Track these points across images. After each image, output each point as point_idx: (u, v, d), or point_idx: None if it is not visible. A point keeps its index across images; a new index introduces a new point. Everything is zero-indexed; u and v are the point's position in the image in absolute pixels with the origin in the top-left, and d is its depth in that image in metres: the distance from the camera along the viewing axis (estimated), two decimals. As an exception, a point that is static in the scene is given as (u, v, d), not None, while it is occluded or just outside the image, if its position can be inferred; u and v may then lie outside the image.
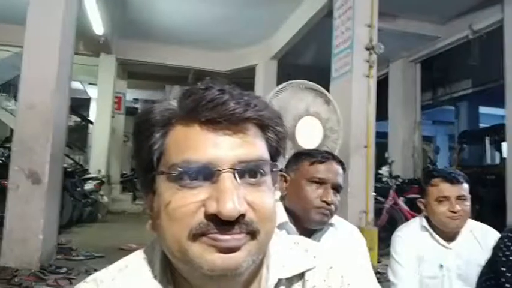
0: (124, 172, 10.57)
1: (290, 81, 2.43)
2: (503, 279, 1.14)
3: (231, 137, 0.52)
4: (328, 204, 1.30)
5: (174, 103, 0.55)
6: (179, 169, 0.51)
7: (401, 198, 5.33)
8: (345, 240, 1.38)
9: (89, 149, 8.85)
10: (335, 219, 1.40)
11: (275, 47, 7.62)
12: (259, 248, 0.52)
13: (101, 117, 8.65)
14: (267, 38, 7.75)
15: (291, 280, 0.58)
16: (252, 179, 0.52)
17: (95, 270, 0.61)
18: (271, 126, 0.56)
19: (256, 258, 0.52)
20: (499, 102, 5.48)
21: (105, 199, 7.99)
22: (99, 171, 8.17)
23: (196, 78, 9.72)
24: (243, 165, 0.51)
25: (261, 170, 0.53)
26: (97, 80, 8.77)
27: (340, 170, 1.36)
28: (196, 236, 0.49)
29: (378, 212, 4.89)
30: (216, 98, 0.51)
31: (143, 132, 0.56)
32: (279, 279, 0.57)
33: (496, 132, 5.88)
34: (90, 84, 10.81)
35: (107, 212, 8.14)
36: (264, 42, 7.89)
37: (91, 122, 9.36)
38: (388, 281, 1.78)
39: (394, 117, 7.63)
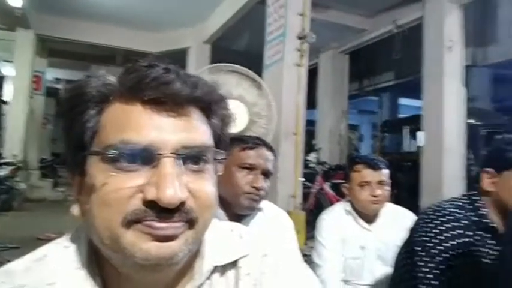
0: (44, 157, 9.86)
1: (212, 65, 2.39)
2: (418, 258, 1.20)
3: (176, 119, 0.49)
4: (258, 189, 1.30)
5: (112, 79, 0.51)
6: (116, 150, 0.47)
7: (328, 183, 5.55)
8: (273, 224, 1.40)
9: (3, 131, 8.11)
10: (264, 204, 1.41)
11: (209, 31, 7.49)
12: (196, 237, 0.50)
13: (17, 97, 7.94)
14: (200, 21, 7.58)
15: (225, 267, 0.57)
16: (195, 166, 0.50)
17: (9, 261, 0.54)
18: (217, 111, 0.54)
19: (192, 247, 0.50)
20: (417, 94, 5.88)
21: (22, 186, 7.40)
22: (15, 156, 7.53)
23: (124, 58, 9.30)
24: (187, 150, 0.49)
25: (205, 157, 0.51)
26: (13, 57, 8.03)
27: (271, 156, 1.37)
28: (131, 222, 0.46)
29: (305, 197, 5.04)
30: (161, 77, 0.48)
31: (75, 107, 0.50)
32: (214, 267, 0.56)
33: (414, 122, 6.28)
34: (5, 61, 9.87)
35: (24, 199, 7.55)
36: (198, 25, 7.71)
37: (5, 102, 8.56)
38: (314, 262, 1.84)
39: (322, 106, 7.88)
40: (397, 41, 6.27)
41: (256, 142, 1.36)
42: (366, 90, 9.65)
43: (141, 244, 0.46)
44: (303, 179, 4.67)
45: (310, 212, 4.80)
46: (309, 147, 5.94)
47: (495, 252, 1.17)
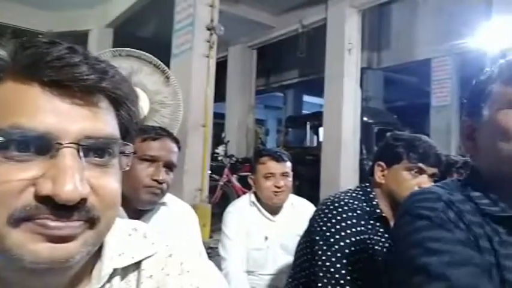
0: None
1: (111, 49, 2.26)
2: (317, 247, 1.24)
3: (80, 107, 0.43)
4: (160, 183, 1.23)
5: (3, 53, 0.42)
6: (3, 137, 0.39)
7: (235, 176, 5.60)
8: (178, 219, 1.35)
9: None
10: (167, 197, 1.35)
11: (112, 14, 7.03)
12: (97, 238, 0.45)
13: None
14: (102, 2, 7.09)
15: (126, 270, 0.52)
16: (99, 159, 0.44)
17: None
18: (126, 103, 0.49)
19: (92, 249, 0.45)
20: (319, 92, 6.21)
21: None
22: None
23: (15, 38, 8.32)
24: (90, 141, 0.43)
25: (110, 150, 0.45)
26: None
27: (175, 148, 1.30)
28: (19, 220, 0.40)
29: (212, 189, 5.02)
30: (65, 57, 0.41)
31: None
32: (114, 269, 0.51)
33: (316, 119, 6.61)
34: None
35: None
36: (99, 6, 7.19)
37: None
38: (219, 255, 1.83)
39: (231, 99, 7.92)
40: (302, 40, 6.53)
41: (159, 132, 1.29)
42: (272, 86, 9.91)
43: (30, 245, 0.40)
44: (211, 172, 4.65)
45: (217, 205, 4.80)
46: (218, 140, 5.93)
47: (384, 240, 1.26)
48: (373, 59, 7.75)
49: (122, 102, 0.48)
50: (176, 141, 1.32)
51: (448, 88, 6.65)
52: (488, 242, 0.64)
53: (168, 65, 2.68)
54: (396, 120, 6.72)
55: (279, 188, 1.78)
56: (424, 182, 1.27)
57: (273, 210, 1.87)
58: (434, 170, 1.30)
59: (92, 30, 7.57)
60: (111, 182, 0.46)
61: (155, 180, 1.22)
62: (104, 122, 0.45)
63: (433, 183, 1.27)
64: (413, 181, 1.28)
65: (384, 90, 8.22)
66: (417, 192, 0.72)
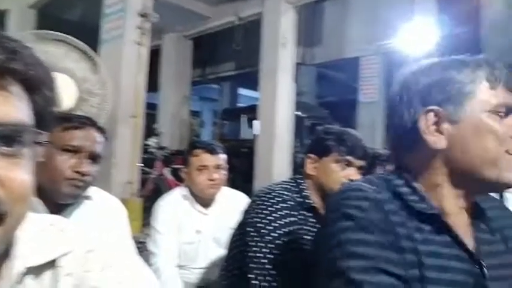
0: None
1: (36, 31, 2.08)
2: (249, 238, 1.25)
3: None
4: (83, 175, 1.15)
5: None
6: None
7: (168, 169, 5.47)
8: (103, 213, 1.27)
9: None
10: (92, 191, 1.27)
11: (35, -6, 6.51)
12: (5, 234, 0.41)
13: None
14: (24, -19, 6.53)
15: (40, 268, 0.48)
16: (7, 149, 0.40)
17: None
18: (41, 88, 0.44)
19: (0, 247, 0.41)
20: (255, 85, 6.24)
21: None
22: None
23: None
24: None
25: (20, 138, 0.41)
26: None
27: (100, 138, 1.22)
28: None
29: (144, 182, 4.88)
30: None
31: None
32: (27, 268, 0.46)
33: (251, 112, 6.65)
34: None
35: None
36: (21, -15, 6.63)
37: None
38: (149, 250, 1.77)
39: (164, 89, 7.71)
40: (238, 32, 6.52)
41: (83, 121, 1.20)
42: (208, 78, 9.81)
43: None
44: (142, 165, 4.50)
45: (148, 198, 4.66)
46: (150, 132, 5.75)
47: (315, 229, 1.29)
48: (307, 54, 7.95)
49: (36, 86, 0.44)
50: (101, 130, 1.24)
51: (375, 85, 7.02)
52: (410, 241, 0.66)
53: (96, 50, 2.52)
54: (327, 114, 6.98)
55: (212, 180, 1.76)
56: (352, 174, 1.32)
57: (206, 203, 1.85)
58: (361, 163, 1.34)
59: (10, 10, 6.95)
60: (20, 174, 0.42)
61: (77, 172, 1.14)
62: (13, 108, 0.41)
63: (360, 175, 1.33)
64: (341, 173, 1.32)
65: (316, 86, 8.48)
66: (346, 188, 0.72)
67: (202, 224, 1.83)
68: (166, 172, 5.41)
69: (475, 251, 0.69)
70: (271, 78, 5.59)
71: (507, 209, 0.82)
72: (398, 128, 0.73)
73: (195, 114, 11.41)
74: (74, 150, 1.15)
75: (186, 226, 1.80)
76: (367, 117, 6.82)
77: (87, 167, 1.16)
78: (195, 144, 1.85)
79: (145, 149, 5.33)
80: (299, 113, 6.11)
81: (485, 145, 0.66)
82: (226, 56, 8.82)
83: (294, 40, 5.78)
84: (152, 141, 5.62)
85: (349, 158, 1.32)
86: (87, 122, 1.21)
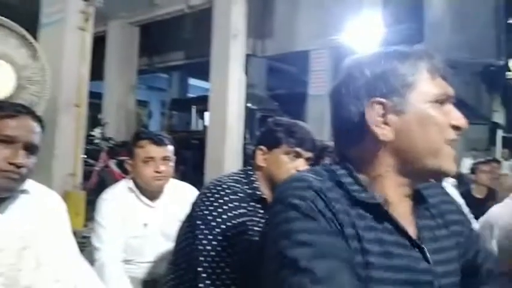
0: None
1: None
2: (198, 231, 1.23)
3: None
4: (18, 167, 1.07)
5: None
6: None
7: (113, 161, 5.29)
8: (40, 208, 1.19)
9: None
10: (29, 184, 1.18)
11: (-36, -29, 5.98)
12: None
13: None
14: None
15: None
16: None
17: None
18: None
19: None
20: (205, 75, 6.16)
21: None
22: None
23: None
24: None
25: None
26: None
27: (37, 128, 1.14)
28: None
29: (88, 175, 4.70)
30: None
31: None
32: None
33: (201, 103, 6.58)
34: None
35: None
36: None
37: None
38: (92, 245, 1.69)
39: (110, 78, 7.43)
40: (188, 21, 6.39)
41: (18, 110, 1.11)
42: (156, 67, 9.57)
43: None
44: (85, 156, 4.31)
45: (92, 192, 4.49)
46: (94, 122, 5.53)
47: (264, 221, 1.29)
48: (258, 46, 7.96)
49: None
50: (38, 119, 1.16)
51: (324, 79, 7.18)
52: (353, 228, 0.67)
53: (35, 35, 2.36)
54: (277, 107, 7.05)
55: (159, 173, 1.71)
56: (301, 165, 1.33)
57: (153, 196, 1.80)
58: (310, 154, 1.36)
59: None
60: None
61: (12, 164, 1.06)
62: None
63: (308, 167, 1.35)
64: (291, 164, 1.33)
65: (267, 78, 8.53)
66: (289, 179, 0.73)
67: (149, 217, 1.78)
68: (112, 164, 5.23)
69: (417, 237, 0.71)
70: (222, 69, 5.54)
71: (448, 194, 0.85)
72: (344, 120, 0.74)
73: (142, 104, 11.13)
74: (8, 141, 1.07)
75: (132, 220, 1.75)
76: (316, 110, 6.96)
77: (23, 159, 1.08)
78: (140, 135, 1.79)
79: (90, 140, 5.14)
80: (250, 105, 6.12)
81: (429, 136, 0.68)
82: (175, 44, 8.64)
83: (245, 31, 5.75)
84: (97, 132, 5.43)
85: (298, 149, 1.33)
86: (22, 110, 1.12)
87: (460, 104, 0.71)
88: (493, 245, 1.24)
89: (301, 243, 0.63)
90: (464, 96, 9.29)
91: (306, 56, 7.36)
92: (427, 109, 0.69)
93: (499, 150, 10.92)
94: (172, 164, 1.78)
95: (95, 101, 5.63)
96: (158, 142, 1.73)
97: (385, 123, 0.70)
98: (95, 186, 4.83)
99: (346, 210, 0.68)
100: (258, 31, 7.69)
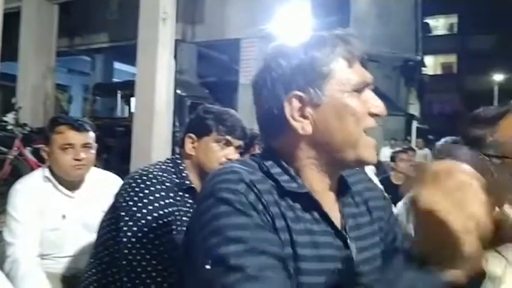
0: None
1: None
2: (122, 223, 1.18)
3: None
4: None
5: None
6: None
7: (28, 148, 4.95)
8: None
9: None
10: None
11: None
12: None
13: None
14: None
15: None
16: None
17: None
18: None
19: None
20: (132, 60, 5.91)
21: None
22: None
23: None
24: None
25: None
26: None
27: None
28: None
29: (0, 164, 4.42)
30: None
31: None
32: None
33: (127, 88, 6.35)
34: None
35: None
36: None
37: None
38: (5, 240, 1.57)
39: (25, 59, 6.90)
40: (114, 0, 6.07)
41: None
42: (78, 49, 9.06)
43: None
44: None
45: (5, 182, 4.15)
46: (6, 106, 5.10)
47: (193, 211, 1.27)
48: (188, 32, 7.82)
49: None
50: None
51: (254, 68, 7.22)
52: (283, 220, 0.67)
53: None
54: (208, 94, 6.98)
55: (79, 161, 1.62)
56: (231, 153, 1.33)
57: (72, 185, 1.69)
58: (240, 143, 1.36)
59: None
60: None
61: None
62: None
63: (238, 155, 1.35)
64: (221, 153, 1.32)
65: (197, 65, 8.41)
66: (220, 172, 0.70)
67: (67, 209, 1.68)
68: (27, 152, 4.87)
69: (342, 225, 0.73)
70: (150, 53, 5.35)
71: (371, 181, 0.88)
72: (265, 112, 0.73)
73: (62, 88, 10.46)
74: None
75: (48, 211, 1.64)
76: (247, 98, 6.92)
77: None
78: (58, 120, 1.67)
79: (2, 127, 4.84)
80: (179, 91, 5.99)
81: (347, 127, 0.68)
82: (99, 25, 8.21)
83: (174, 15, 5.59)
84: (10, 117, 5.07)
85: (228, 137, 1.33)
86: None
87: (380, 96, 0.72)
88: (410, 228, 1.32)
89: (232, 239, 0.61)
90: (385, 89, 9.91)
91: (237, 44, 7.36)
92: (344, 99, 0.68)
93: (414, 140, 11.84)
94: (93, 151, 1.69)
95: (7, 83, 5.16)
96: (78, 128, 1.63)
97: (304, 117, 0.69)
98: (7, 176, 4.55)
99: (277, 201, 0.68)
100: (188, 16, 7.53)
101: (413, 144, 9.41)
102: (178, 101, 5.85)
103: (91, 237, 1.60)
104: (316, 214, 0.70)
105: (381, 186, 3.22)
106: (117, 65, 10.62)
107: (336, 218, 0.72)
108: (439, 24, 27.37)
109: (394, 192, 3.14)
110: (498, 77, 22.49)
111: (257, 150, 2.13)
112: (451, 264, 0.50)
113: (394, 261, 0.58)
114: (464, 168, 0.52)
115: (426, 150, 8.72)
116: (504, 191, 0.97)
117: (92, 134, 1.68)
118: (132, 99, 5.54)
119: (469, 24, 24.84)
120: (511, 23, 23.26)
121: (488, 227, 0.49)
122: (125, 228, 1.18)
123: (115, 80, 9.81)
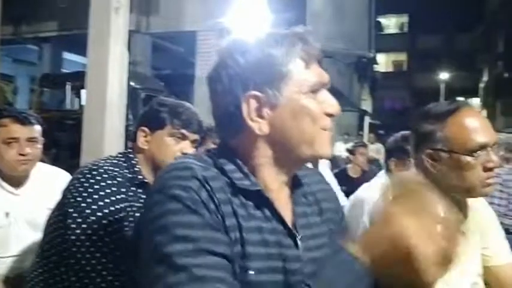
0: None
1: None
2: (70, 220, 1.15)
3: None
4: None
5: None
6: None
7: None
8: None
9: None
10: None
11: None
12: None
13: None
14: None
15: None
16: None
17: None
18: None
19: None
20: (83, 50, 5.68)
21: None
22: None
23: None
24: None
25: None
26: None
27: None
28: None
29: None
30: None
31: None
32: None
33: (77, 79, 6.12)
34: None
35: None
36: None
37: None
38: None
39: (-37, 46, 6.42)
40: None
41: None
42: (24, 37, 8.59)
43: None
44: None
45: None
46: None
47: (145, 207, 1.25)
48: (142, 22, 7.63)
49: None
50: None
51: (211, 61, 7.14)
52: (234, 218, 0.67)
53: None
54: (163, 87, 6.85)
55: (24, 155, 1.54)
56: (186, 147, 1.31)
57: (16, 181, 1.62)
58: (196, 137, 1.35)
59: None
60: None
61: None
62: None
63: (194, 149, 1.33)
64: (176, 147, 1.30)
65: (152, 57, 8.23)
66: (172, 167, 0.69)
67: (11, 206, 1.61)
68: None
69: (293, 224, 0.73)
70: (102, 43, 5.14)
71: (326, 182, 0.90)
72: (222, 110, 0.73)
73: (6, 78, 9.92)
74: None
75: (-10, 209, 1.55)
76: (204, 92, 6.91)
77: None
78: (2, 113, 1.61)
79: None
80: (133, 84, 5.84)
81: (303, 127, 0.69)
82: (48, 13, 7.87)
83: (128, 5, 5.41)
84: None
85: (183, 131, 1.31)
86: None
87: (335, 92, 0.74)
88: (365, 220, 1.37)
89: (179, 238, 0.61)
90: (339, 85, 10.17)
91: (194, 36, 7.26)
92: (301, 101, 0.69)
93: (366, 134, 12.26)
94: (39, 146, 1.62)
95: None
96: (23, 121, 1.56)
97: (261, 117, 0.69)
98: None
99: (229, 199, 0.67)
100: (143, 6, 7.34)
101: (365, 139, 9.74)
102: (132, 94, 5.69)
103: (37, 235, 1.55)
104: (267, 212, 0.70)
105: (334, 180, 3.33)
106: (67, 55, 10.20)
107: (287, 216, 0.73)
108: (391, 23, 28.47)
109: (350, 185, 3.24)
110: (444, 76, 23.74)
111: (210, 144, 2.12)
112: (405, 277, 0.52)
113: (335, 259, 0.60)
114: (424, 189, 0.55)
115: (378, 145, 9.05)
116: (450, 183, 1.03)
117: (38, 128, 1.61)
118: (83, 91, 5.32)
119: (419, 24, 26.03)
120: (457, 24, 24.62)
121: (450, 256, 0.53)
122: (73, 226, 1.14)
123: (64, 70, 9.41)
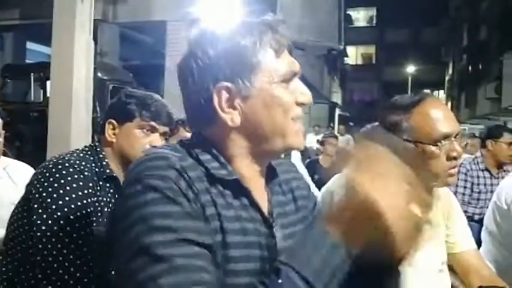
0: None
1: None
2: (35, 216, 1.11)
3: None
4: None
5: None
6: None
7: None
8: None
9: None
10: None
11: None
12: None
13: None
14: None
15: None
16: None
17: None
18: None
19: None
20: (47, 40, 5.47)
21: None
22: None
23: None
24: None
25: None
26: None
27: None
28: None
29: None
30: None
31: None
32: None
33: (42, 70, 5.90)
34: None
35: None
36: None
37: None
38: None
39: None
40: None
41: None
42: (-17, 25, 8.17)
43: None
44: None
45: None
46: None
47: (115, 201, 1.23)
48: (109, 11, 7.41)
49: None
50: None
51: (181, 52, 7.03)
52: (214, 207, 0.67)
53: None
54: (132, 78, 6.70)
55: (-16, 150, 1.48)
56: (156, 140, 1.29)
57: None
58: (166, 129, 1.33)
59: None
60: None
61: None
62: None
63: (164, 142, 1.31)
64: (145, 139, 1.28)
65: (120, 47, 8.03)
66: (147, 157, 0.68)
67: None
68: None
69: (269, 212, 0.74)
70: (67, 33, 4.98)
71: (298, 172, 0.91)
72: (193, 101, 0.72)
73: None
74: None
75: None
76: (174, 84, 6.82)
77: None
78: None
79: None
80: (100, 75, 5.69)
81: (275, 118, 0.69)
82: (10, 1, 7.47)
83: (92, -7, 5.25)
84: None
85: (153, 123, 1.28)
86: None
87: (306, 85, 0.74)
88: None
89: (159, 228, 0.59)
90: (309, 77, 10.26)
91: (163, 26, 7.12)
92: (272, 91, 0.69)
93: (336, 126, 12.45)
94: (1, 139, 1.56)
95: None
96: None
97: (232, 107, 0.69)
98: None
99: (207, 188, 0.67)
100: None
101: (336, 131, 9.89)
102: (99, 85, 5.55)
103: (1, 232, 1.48)
104: (245, 200, 0.70)
105: (306, 170, 3.38)
106: (31, 45, 9.83)
107: (264, 205, 0.73)
108: (360, 16, 28.87)
109: (322, 175, 3.29)
110: (411, 69, 24.37)
111: (182, 133, 2.09)
112: (378, 246, 0.53)
113: (308, 237, 0.60)
114: (385, 154, 0.56)
115: (348, 136, 9.21)
116: (416, 173, 1.06)
117: (-1, 121, 1.55)
118: (48, 83, 5.14)
119: (386, 18, 26.53)
120: (424, 18, 25.24)
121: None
122: (39, 222, 1.11)
123: (28, 61, 9.05)
